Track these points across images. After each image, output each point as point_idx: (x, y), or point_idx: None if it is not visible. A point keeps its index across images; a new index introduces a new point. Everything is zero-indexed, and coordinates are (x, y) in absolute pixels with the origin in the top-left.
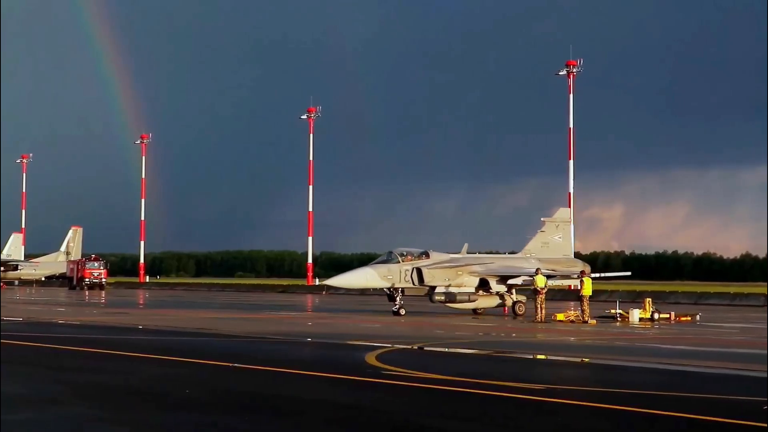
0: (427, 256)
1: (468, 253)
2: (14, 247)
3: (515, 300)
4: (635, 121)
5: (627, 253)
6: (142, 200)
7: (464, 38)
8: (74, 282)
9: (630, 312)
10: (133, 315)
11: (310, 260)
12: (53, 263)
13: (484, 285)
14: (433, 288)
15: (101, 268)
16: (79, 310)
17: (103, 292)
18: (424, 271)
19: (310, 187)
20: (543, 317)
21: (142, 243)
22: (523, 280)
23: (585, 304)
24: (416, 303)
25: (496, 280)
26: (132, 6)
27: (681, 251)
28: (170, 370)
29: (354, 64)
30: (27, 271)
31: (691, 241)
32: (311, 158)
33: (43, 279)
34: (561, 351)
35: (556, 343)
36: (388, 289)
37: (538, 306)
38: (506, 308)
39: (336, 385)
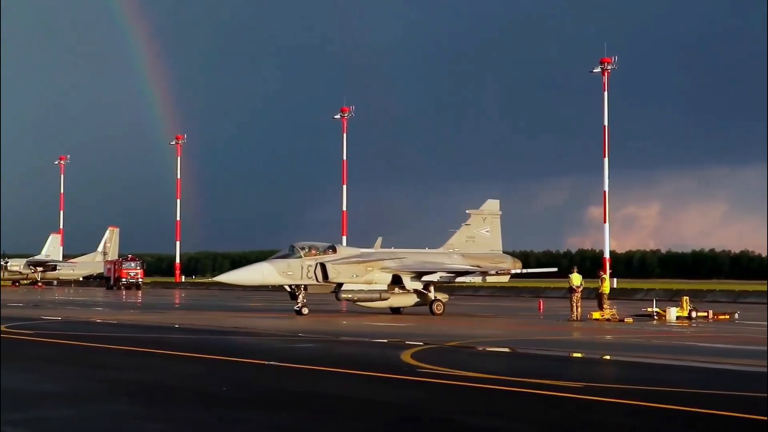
0: (334, 250)
1: (432, 249)
2: (53, 248)
3: (434, 298)
4: (671, 118)
5: (663, 251)
6: (178, 200)
7: (497, 36)
8: (111, 282)
9: (667, 310)
10: (170, 314)
11: None
12: (91, 263)
13: (397, 282)
14: (340, 285)
15: (138, 268)
16: (116, 310)
17: (140, 291)
18: (329, 267)
19: (344, 186)
20: (579, 316)
21: (177, 243)
22: (440, 277)
23: (604, 301)
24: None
25: (411, 277)
26: (167, 8)
27: (718, 249)
28: (207, 368)
29: (386, 62)
30: (65, 271)
31: (728, 239)
32: (345, 157)
33: (80, 279)
34: (598, 349)
35: (593, 342)
36: (290, 286)
37: (574, 304)
38: (440, 306)
39: (372, 383)
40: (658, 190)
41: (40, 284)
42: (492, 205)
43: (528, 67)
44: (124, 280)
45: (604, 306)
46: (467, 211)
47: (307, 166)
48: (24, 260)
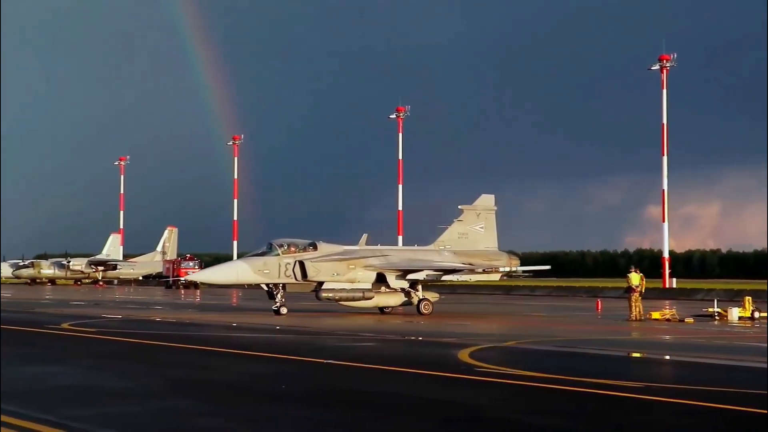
0: (315, 247)
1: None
2: (113, 248)
3: (421, 298)
4: (730, 116)
5: (724, 251)
6: (235, 200)
7: (553, 34)
8: (170, 281)
9: (729, 311)
10: (228, 313)
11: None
12: (150, 263)
13: (382, 280)
14: (321, 284)
15: (196, 267)
16: (175, 309)
17: (198, 290)
18: (308, 265)
19: (400, 186)
20: (638, 315)
21: (234, 243)
22: (427, 275)
23: (635, 299)
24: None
25: (396, 275)
26: (224, 11)
27: None
28: (265, 366)
29: (441, 61)
30: (125, 270)
31: None
32: (401, 157)
33: (140, 278)
34: (658, 349)
35: (652, 342)
36: (267, 285)
37: (632, 304)
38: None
39: (431, 382)
40: (718, 189)
41: (101, 283)
42: (486, 201)
43: (584, 65)
44: (182, 279)
45: (633, 302)
46: (459, 207)
47: (362, 166)
48: (86, 260)
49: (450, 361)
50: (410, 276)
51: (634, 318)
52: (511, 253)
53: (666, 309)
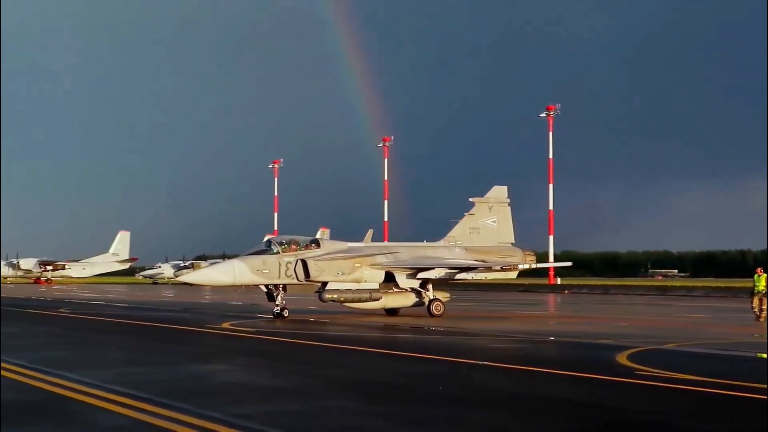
0: (318, 245)
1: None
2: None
3: (432, 298)
4: None
5: None
6: (385, 201)
7: (704, 27)
8: None
9: None
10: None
11: (551, 259)
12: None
13: (390, 280)
14: (325, 284)
15: None
16: (327, 308)
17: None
18: (311, 264)
19: (550, 185)
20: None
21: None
22: (439, 274)
23: (759, 301)
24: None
25: (407, 274)
26: (372, 14)
27: None
28: (420, 366)
29: (592, 58)
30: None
31: None
32: (551, 156)
33: None
34: None
35: None
36: (266, 286)
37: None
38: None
39: (588, 385)
40: None
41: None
42: (499, 192)
43: (749, 51)
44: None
45: (754, 304)
46: (470, 199)
47: (512, 165)
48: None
49: (607, 363)
50: (422, 275)
51: (763, 318)
52: (525, 250)
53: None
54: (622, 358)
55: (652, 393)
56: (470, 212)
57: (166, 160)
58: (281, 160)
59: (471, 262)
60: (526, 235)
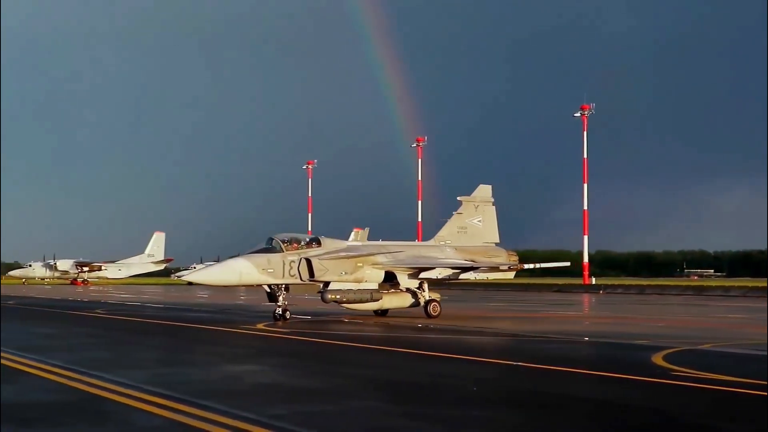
0: (318, 243)
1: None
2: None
3: (428, 299)
4: None
5: None
6: (419, 202)
7: (743, 24)
8: None
9: None
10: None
11: (586, 259)
12: None
13: (389, 279)
14: (327, 284)
15: None
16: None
17: None
18: (315, 263)
19: (585, 185)
20: None
21: None
22: (442, 273)
23: None
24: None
25: (409, 274)
26: (406, 16)
27: None
28: (454, 367)
29: (627, 57)
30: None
31: None
32: (585, 156)
33: None
34: None
35: None
36: (269, 286)
37: None
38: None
39: (623, 385)
40: None
41: None
42: (484, 191)
43: None
44: None
45: None
46: (458, 198)
47: (546, 165)
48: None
49: (643, 364)
50: (423, 275)
51: None
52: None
53: None
54: (657, 359)
55: (688, 394)
56: (458, 211)
57: (201, 162)
58: (315, 161)
59: (470, 263)
60: (559, 234)
